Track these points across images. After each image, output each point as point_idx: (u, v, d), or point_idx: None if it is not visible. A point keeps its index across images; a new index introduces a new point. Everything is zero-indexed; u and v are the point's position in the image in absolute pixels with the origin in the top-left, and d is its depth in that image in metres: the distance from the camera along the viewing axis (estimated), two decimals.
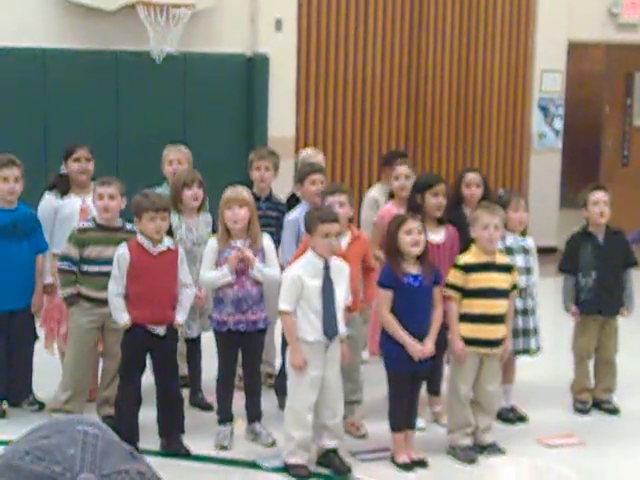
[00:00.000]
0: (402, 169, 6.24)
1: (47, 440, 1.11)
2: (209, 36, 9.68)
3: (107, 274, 5.34)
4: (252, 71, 9.85)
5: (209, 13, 9.52)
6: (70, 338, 5.61)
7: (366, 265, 5.51)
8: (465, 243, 5.55)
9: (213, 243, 5.37)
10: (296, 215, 5.76)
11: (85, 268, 5.49)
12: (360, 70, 10.48)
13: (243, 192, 5.37)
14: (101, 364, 5.78)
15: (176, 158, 6.32)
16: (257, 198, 6.20)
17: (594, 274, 6.02)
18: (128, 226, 5.57)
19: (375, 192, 6.80)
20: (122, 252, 5.23)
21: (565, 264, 6.16)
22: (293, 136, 10.21)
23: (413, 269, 5.09)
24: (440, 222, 5.69)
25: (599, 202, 6.01)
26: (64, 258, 5.51)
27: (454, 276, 5.30)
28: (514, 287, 5.45)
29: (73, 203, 5.95)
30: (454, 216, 5.79)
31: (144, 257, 5.20)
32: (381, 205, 6.53)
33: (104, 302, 5.38)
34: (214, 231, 5.65)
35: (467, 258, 5.34)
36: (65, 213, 5.88)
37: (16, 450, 1.11)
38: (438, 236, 5.64)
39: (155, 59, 9.05)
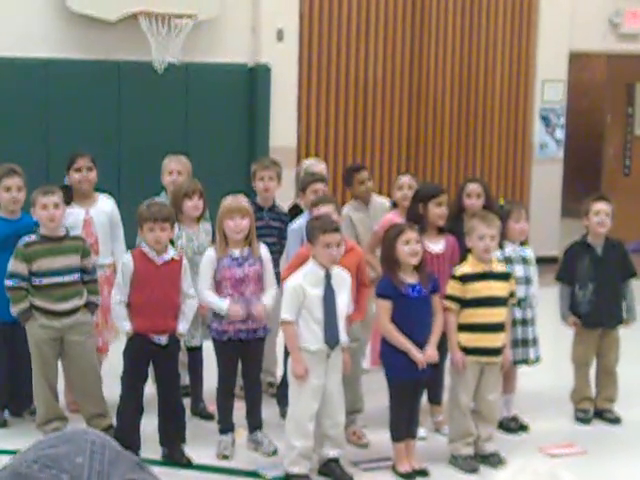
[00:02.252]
0: (405, 179, 6.26)
1: (55, 449, 1.12)
2: (211, 46, 9.70)
3: (61, 285, 5.37)
4: (254, 81, 9.87)
5: (211, 23, 9.54)
6: (33, 354, 5.50)
7: (359, 281, 5.48)
8: (464, 253, 5.56)
9: (211, 254, 5.37)
10: (299, 224, 5.77)
11: (37, 282, 5.41)
12: (361, 80, 10.50)
13: (244, 202, 5.39)
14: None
15: (176, 169, 6.33)
16: (261, 208, 6.22)
17: (591, 286, 6.02)
18: (72, 233, 5.55)
19: (347, 209, 6.61)
20: (126, 261, 5.25)
21: (562, 273, 6.17)
22: (295, 146, 10.22)
23: (411, 279, 5.10)
24: (440, 232, 5.70)
25: (600, 212, 6.01)
26: (11, 275, 5.40)
27: (452, 287, 5.30)
28: (512, 295, 5.46)
29: (77, 214, 5.94)
30: (454, 226, 5.79)
31: (148, 266, 5.21)
32: (354, 221, 6.47)
33: (62, 314, 5.39)
34: (214, 241, 5.66)
35: (464, 268, 5.34)
36: (68, 223, 5.86)
37: (24, 458, 1.12)
38: (438, 246, 5.65)
39: (157, 69, 9.07)
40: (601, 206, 6.04)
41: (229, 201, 5.37)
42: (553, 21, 11.15)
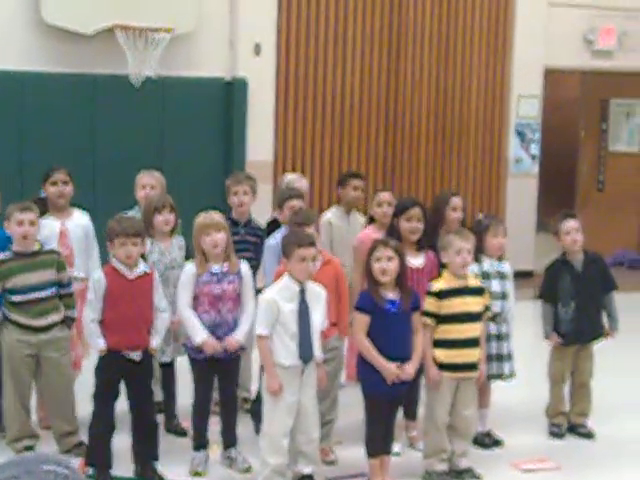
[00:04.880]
0: (385, 196, 6.28)
1: None
2: (188, 60, 9.70)
3: (38, 301, 5.33)
4: (231, 95, 9.87)
5: (188, 37, 9.54)
6: (5, 369, 5.46)
7: (338, 296, 5.47)
8: (440, 268, 5.57)
9: (191, 269, 5.36)
10: (276, 240, 5.76)
11: (14, 299, 5.36)
12: (339, 94, 10.53)
13: (217, 216, 5.38)
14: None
15: (149, 183, 6.33)
16: (236, 223, 6.22)
17: (573, 304, 6.05)
18: (46, 247, 5.52)
19: (330, 215, 6.83)
20: (98, 277, 5.21)
21: (545, 293, 6.18)
22: (272, 160, 10.23)
23: (391, 294, 5.10)
24: (420, 247, 5.70)
25: (571, 231, 6.05)
26: None
27: (429, 303, 5.31)
28: (486, 309, 5.48)
29: (52, 225, 5.91)
30: (432, 240, 5.79)
31: (120, 282, 5.18)
32: (335, 229, 6.61)
33: (39, 330, 5.36)
34: (188, 256, 5.64)
35: (440, 284, 5.35)
36: (43, 235, 5.80)
37: None
38: (417, 261, 5.65)
39: (134, 83, 9.05)
40: (570, 224, 6.07)
41: (202, 218, 5.36)
42: (528, 38, 11.24)
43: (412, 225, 5.62)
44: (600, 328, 6.18)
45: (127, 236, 5.12)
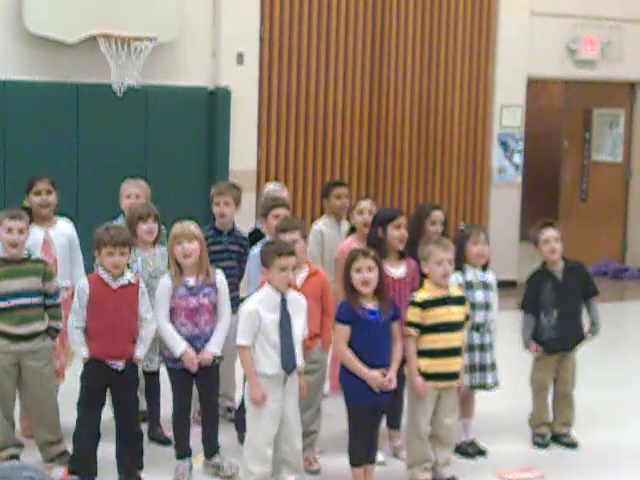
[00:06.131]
0: (366, 204, 6.27)
1: None
2: (171, 69, 9.68)
3: (20, 307, 5.29)
4: (214, 104, 9.86)
5: (171, 46, 9.53)
6: None
7: (322, 308, 5.47)
8: (421, 278, 5.56)
9: (167, 282, 5.33)
10: (261, 249, 5.74)
11: None
12: (322, 104, 10.54)
13: (190, 227, 5.36)
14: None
15: (134, 192, 6.32)
16: (220, 232, 6.21)
17: (555, 312, 6.05)
18: (34, 256, 5.49)
19: (321, 224, 6.83)
20: (82, 285, 5.19)
21: (526, 303, 6.18)
22: (255, 169, 10.23)
23: (370, 304, 5.10)
24: (401, 256, 5.70)
25: (549, 240, 6.05)
26: None
27: (412, 313, 5.29)
28: (467, 318, 5.48)
29: (36, 234, 5.88)
30: (412, 251, 5.79)
31: (104, 290, 5.16)
32: (326, 237, 6.61)
33: (21, 338, 5.32)
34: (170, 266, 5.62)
35: (423, 294, 5.35)
36: (27, 244, 5.76)
37: None
38: (399, 270, 5.65)
39: (116, 92, 9.03)
40: (549, 234, 6.08)
41: (176, 228, 5.36)
42: (511, 47, 11.29)
43: (402, 232, 5.63)
44: (579, 335, 6.18)
45: (115, 245, 5.11)
